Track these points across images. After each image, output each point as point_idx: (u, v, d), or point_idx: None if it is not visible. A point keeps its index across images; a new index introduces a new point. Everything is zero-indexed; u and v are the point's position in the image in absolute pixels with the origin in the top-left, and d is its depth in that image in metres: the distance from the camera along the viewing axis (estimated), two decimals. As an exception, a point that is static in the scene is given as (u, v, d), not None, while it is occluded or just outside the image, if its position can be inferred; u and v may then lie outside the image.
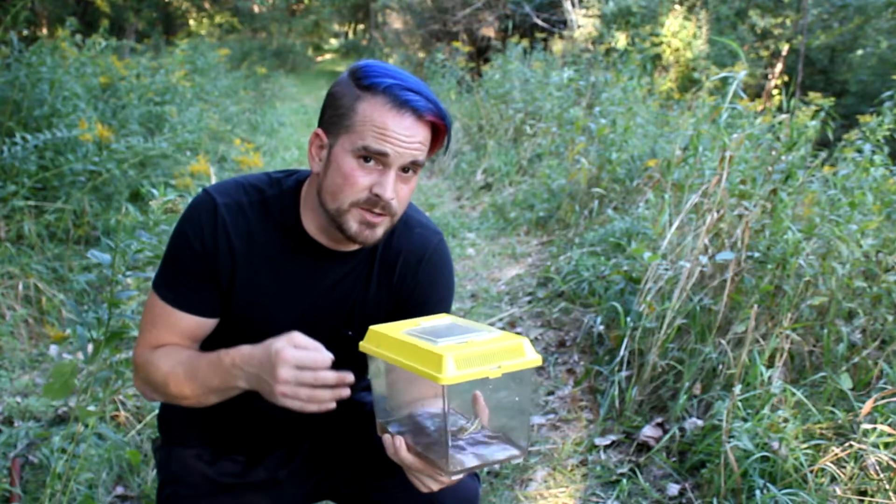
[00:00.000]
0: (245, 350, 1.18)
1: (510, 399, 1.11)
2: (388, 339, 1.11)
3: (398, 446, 1.11)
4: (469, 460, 1.08)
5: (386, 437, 1.14)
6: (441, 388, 1.01)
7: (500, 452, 1.10)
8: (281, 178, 1.34)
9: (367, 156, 1.18)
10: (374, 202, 1.20)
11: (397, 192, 1.21)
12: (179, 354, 1.28)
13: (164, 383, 1.27)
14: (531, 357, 1.06)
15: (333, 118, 1.22)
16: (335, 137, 1.22)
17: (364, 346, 1.15)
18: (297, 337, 1.12)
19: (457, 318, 1.20)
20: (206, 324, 1.33)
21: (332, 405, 1.11)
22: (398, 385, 1.18)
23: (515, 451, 1.11)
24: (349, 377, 1.11)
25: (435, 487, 1.13)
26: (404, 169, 1.21)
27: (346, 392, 1.11)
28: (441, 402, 1.05)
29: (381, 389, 1.19)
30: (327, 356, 1.11)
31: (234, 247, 1.28)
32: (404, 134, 1.18)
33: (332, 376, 1.10)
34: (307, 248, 1.31)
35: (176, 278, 1.30)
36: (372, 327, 1.16)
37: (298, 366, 1.09)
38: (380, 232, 1.24)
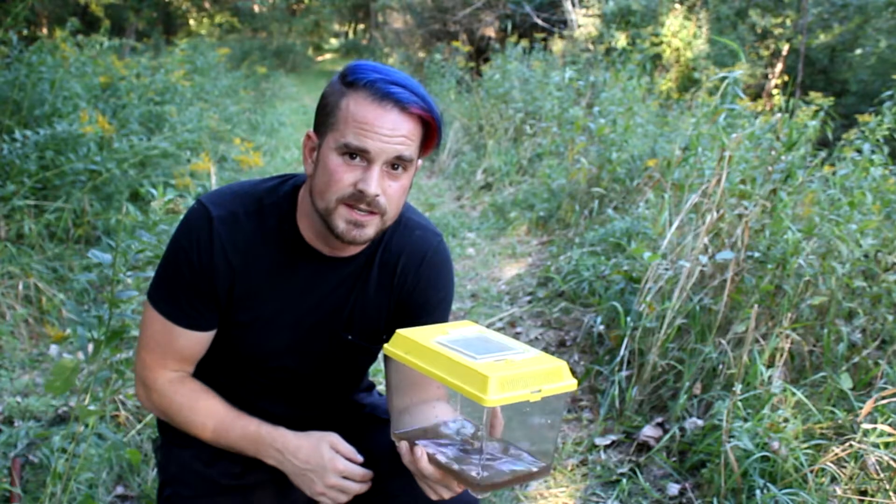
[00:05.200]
0: (290, 439, 1.29)
1: (542, 420, 1.11)
2: (418, 346, 1.08)
3: (418, 456, 1.09)
4: (499, 476, 1.07)
5: (403, 445, 1.12)
6: (484, 410, 0.99)
7: (527, 468, 1.09)
8: (277, 185, 1.33)
9: (351, 152, 1.18)
10: (358, 198, 1.18)
11: (385, 189, 1.19)
12: (207, 404, 1.32)
13: (184, 425, 1.34)
14: (569, 382, 1.05)
15: (321, 117, 1.23)
16: (323, 137, 1.22)
17: (389, 350, 1.12)
18: (337, 441, 1.29)
19: (481, 327, 1.18)
20: (205, 338, 1.33)
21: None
22: (400, 387, 1.16)
23: (541, 465, 1.10)
24: (369, 474, 1.30)
25: (446, 496, 1.12)
26: (393, 166, 1.19)
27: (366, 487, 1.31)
28: (456, 411, 1.11)
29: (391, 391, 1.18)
30: (359, 460, 1.30)
31: (232, 262, 1.28)
32: (386, 128, 1.16)
33: (356, 487, 1.30)
34: (305, 256, 1.30)
35: (174, 292, 1.29)
36: (399, 331, 1.12)
37: (345, 476, 1.27)
38: (369, 232, 1.22)
